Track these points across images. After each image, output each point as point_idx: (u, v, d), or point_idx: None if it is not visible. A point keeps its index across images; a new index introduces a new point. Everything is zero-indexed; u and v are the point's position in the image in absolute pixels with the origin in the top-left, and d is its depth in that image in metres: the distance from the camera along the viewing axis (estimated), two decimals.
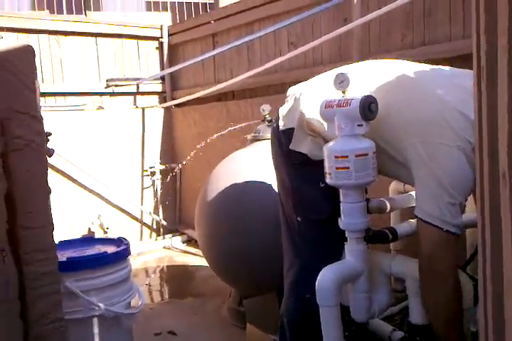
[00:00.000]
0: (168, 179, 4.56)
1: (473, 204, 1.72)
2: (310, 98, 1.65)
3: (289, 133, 1.68)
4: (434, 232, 1.37)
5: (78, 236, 3.92)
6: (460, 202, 1.37)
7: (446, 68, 1.60)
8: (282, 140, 1.71)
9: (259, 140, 2.72)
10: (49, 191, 1.65)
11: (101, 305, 2.05)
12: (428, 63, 1.67)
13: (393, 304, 1.67)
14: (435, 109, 1.40)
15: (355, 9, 2.96)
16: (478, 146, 0.93)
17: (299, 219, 1.71)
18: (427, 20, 2.68)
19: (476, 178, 1.35)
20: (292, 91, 1.76)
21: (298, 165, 1.69)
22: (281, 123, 1.72)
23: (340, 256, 1.62)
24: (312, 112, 1.61)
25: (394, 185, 2.19)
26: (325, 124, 1.57)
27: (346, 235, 1.55)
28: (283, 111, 1.74)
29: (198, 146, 3.95)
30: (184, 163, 4.33)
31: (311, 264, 1.64)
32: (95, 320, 2.07)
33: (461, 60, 2.40)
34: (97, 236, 4.11)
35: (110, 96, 4.65)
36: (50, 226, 1.63)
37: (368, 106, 1.42)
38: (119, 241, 2.36)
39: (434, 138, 1.37)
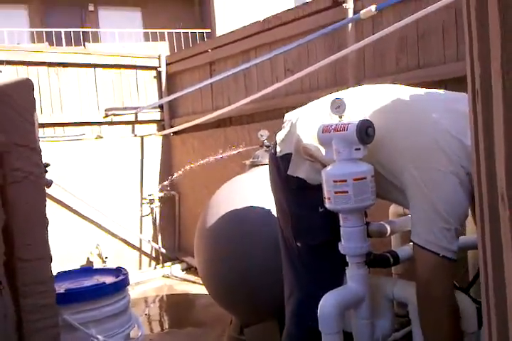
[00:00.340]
0: (166, 206, 4.55)
1: (473, 226, 1.72)
2: (306, 123, 1.66)
3: (286, 158, 1.68)
4: (431, 258, 1.36)
5: (77, 266, 3.88)
6: (455, 227, 1.36)
7: (441, 92, 1.62)
8: (280, 165, 1.72)
9: (257, 165, 2.73)
10: (47, 223, 1.64)
11: (100, 337, 2.02)
12: (423, 86, 1.69)
13: (396, 329, 1.64)
14: (430, 134, 1.41)
15: (350, 35, 3.02)
16: (476, 169, 0.93)
17: (298, 244, 1.69)
18: (420, 43, 2.72)
19: (471, 202, 1.37)
20: (289, 117, 1.78)
21: (296, 190, 1.68)
22: (278, 149, 1.73)
23: (342, 281, 1.60)
24: (309, 137, 1.62)
25: (393, 208, 2.18)
26: (322, 149, 1.58)
27: (347, 260, 1.54)
28: (280, 136, 1.75)
29: (190, 166, 3.98)
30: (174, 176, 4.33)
31: (312, 290, 1.62)
32: None
33: (456, 82, 2.43)
34: (95, 265, 4.07)
35: (109, 125, 4.68)
36: (48, 258, 1.61)
37: (365, 130, 1.43)
38: (118, 271, 2.34)
39: (428, 164, 1.38)
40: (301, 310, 1.69)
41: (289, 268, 1.77)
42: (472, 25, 0.86)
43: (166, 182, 4.26)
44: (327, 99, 1.69)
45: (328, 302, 1.46)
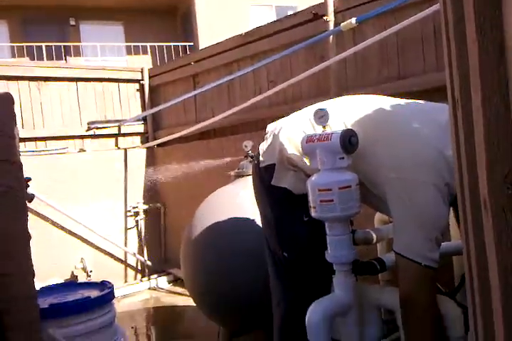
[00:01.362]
0: (151, 218, 4.52)
1: (457, 231, 1.74)
2: (289, 134, 1.67)
3: (270, 169, 1.69)
4: (413, 267, 1.38)
5: (61, 280, 3.82)
6: (436, 236, 1.38)
7: (421, 102, 1.65)
8: (264, 176, 1.73)
9: (242, 176, 2.73)
10: (29, 237, 1.62)
11: None
12: (405, 96, 1.72)
13: (384, 336, 1.65)
14: (410, 146, 1.43)
15: (331, 47, 3.06)
16: (458, 177, 0.95)
17: (285, 254, 1.69)
18: (400, 54, 2.78)
19: (449, 211, 1.39)
20: (271, 127, 1.79)
21: (280, 200, 1.69)
22: (261, 160, 1.74)
23: (329, 289, 1.60)
24: (292, 148, 1.63)
25: (379, 216, 2.20)
26: (305, 160, 1.59)
27: (334, 268, 1.55)
28: (263, 147, 1.76)
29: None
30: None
31: (299, 299, 1.62)
32: None
33: (436, 91, 2.48)
34: (80, 279, 4.01)
35: (92, 138, 4.65)
36: (30, 273, 1.59)
37: (349, 140, 1.45)
38: (103, 284, 2.30)
39: (410, 175, 1.40)
40: (289, 319, 1.69)
41: (275, 277, 1.77)
42: (450, 37, 0.88)
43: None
44: (308, 110, 1.71)
45: (315, 311, 1.46)
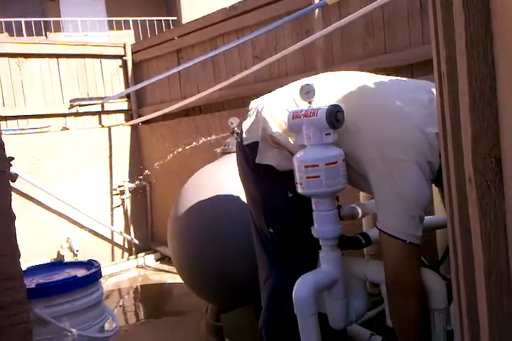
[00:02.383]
0: (137, 197, 4.51)
1: (440, 205, 1.76)
2: (272, 112, 1.66)
3: (253, 147, 1.68)
4: (398, 245, 1.39)
5: (47, 260, 3.81)
6: (420, 214, 1.40)
7: (403, 79, 1.64)
8: (248, 154, 1.71)
9: (228, 153, 2.72)
10: (13, 217, 1.60)
11: (73, 330, 1.99)
12: (390, 70, 1.70)
13: (370, 308, 1.68)
14: (392, 124, 1.43)
15: (317, 21, 3.01)
16: (444, 151, 0.95)
17: (271, 230, 1.70)
18: (386, 28, 2.75)
19: (431, 189, 1.40)
20: (254, 104, 1.77)
21: (265, 177, 1.69)
22: (245, 138, 1.72)
23: (315, 264, 1.62)
24: (275, 126, 1.62)
25: None
26: (289, 138, 1.59)
27: (320, 243, 1.56)
28: (246, 125, 1.75)
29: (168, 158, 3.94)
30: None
31: (286, 275, 1.63)
32: None
33: (422, 66, 2.47)
34: (66, 259, 4.00)
35: (74, 116, 4.58)
36: (15, 254, 1.57)
37: (335, 115, 1.44)
38: (90, 263, 2.30)
39: (392, 154, 1.40)
40: (277, 294, 1.71)
41: (262, 254, 1.78)
42: (437, 9, 0.87)
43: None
44: (292, 87, 1.69)
45: (302, 285, 1.48)
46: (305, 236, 1.59)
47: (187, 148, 3.78)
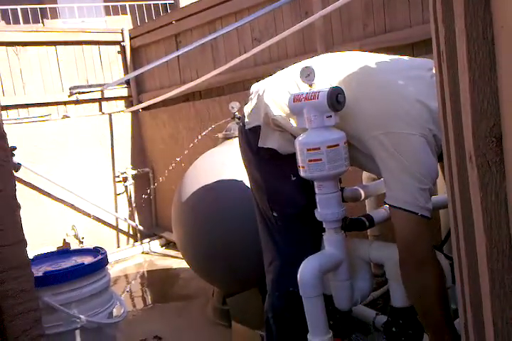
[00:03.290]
0: (141, 183, 4.52)
1: (443, 185, 1.76)
2: (273, 95, 1.65)
3: (255, 130, 1.68)
4: (410, 218, 1.39)
5: (54, 248, 3.85)
6: (429, 187, 1.39)
7: (405, 58, 1.62)
8: (250, 138, 1.71)
9: (230, 138, 2.71)
10: (18, 207, 1.61)
11: (82, 316, 2.03)
12: (391, 50, 1.69)
13: (374, 289, 1.69)
14: (396, 100, 1.42)
15: (316, 2, 2.97)
16: (444, 130, 0.95)
17: (275, 214, 1.71)
18: (386, 8, 2.71)
19: (444, 162, 1.39)
20: (255, 88, 1.76)
21: (268, 161, 1.69)
22: (247, 122, 1.72)
23: (320, 246, 1.63)
24: (277, 109, 1.61)
25: (366, 173, 2.21)
26: (292, 121, 1.58)
27: (324, 226, 1.57)
28: (247, 109, 1.74)
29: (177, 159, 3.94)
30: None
31: (291, 257, 1.65)
32: (77, 332, 2.04)
33: (423, 45, 2.44)
34: (72, 247, 4.04)
35: (75, 104, 4.56)
36: (22, 243, 1.59)
37: (336, 97, 1.43)
38: (96, 250, 2.33)
39: (397, 129, 1.39)
40: (282, 277, 1.72)
41: (267, 237, 1.79)
42: None
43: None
44: (292, 69, 1.68)
45: (307, 267, 1.49)
46: (309, 219, 1.60)
47: (188, 133, 3.78)
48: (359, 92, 1.49)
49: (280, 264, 1.74)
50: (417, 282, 1.42)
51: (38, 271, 2.08)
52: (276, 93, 1.64)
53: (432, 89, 1.35)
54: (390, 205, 1.43)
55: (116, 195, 4.58)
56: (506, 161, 0.71)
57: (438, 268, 1.42)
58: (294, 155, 1.53)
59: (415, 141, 1.37)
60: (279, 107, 1.61)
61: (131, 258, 4.29)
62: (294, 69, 1.64)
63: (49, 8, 10.78)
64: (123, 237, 4.63)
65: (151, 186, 4.71)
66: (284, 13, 3.29)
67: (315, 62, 1.68)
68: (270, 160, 1.68)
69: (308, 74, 1.50)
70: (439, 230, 2.01)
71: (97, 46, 4.65)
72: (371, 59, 1.58)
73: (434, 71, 1.39)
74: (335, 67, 1.60)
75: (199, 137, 3.65)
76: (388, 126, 1.40)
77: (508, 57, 0.66)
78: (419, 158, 1.38)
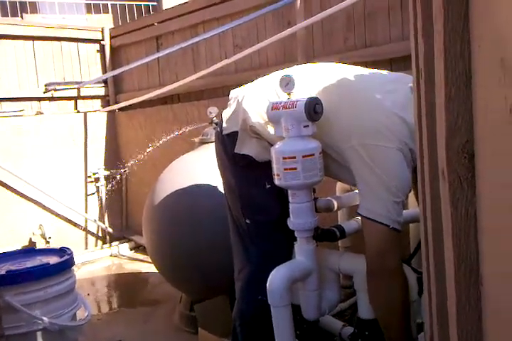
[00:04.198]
0: (113, 185, 4.46)
1: (415, 201, 1.78)
2: (252, 102, 1.65)
3: (232, 136, 1.67)
4: (382, 230, 1.40)
5: (19, 247, 3.75)
6: (402, 200, 1.41)
7: (383, 72, 1.65)
8: (226, 143, 1.71)
9: (207, 143, 2.70)
10: None
11: (44, 318, 1.98)
12: (370, 65, 1.71)
13: (342, 300, 1.70)
14: (374, 113, 1.44)
15: (299, 12, 3.00)
16: (419, 145, 0.96)
17: (247, 221, 1.70)
18: (367, 23, 2.76)
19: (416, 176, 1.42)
20: (234, 94, 1.76)
21: (243, 168, 1.69)
22: (224, 127, 1.72)
23: (291, 255, 1.63)
24: (256, 116, 1.62)
25: (341, 184, 2.23)
26: (269, 128, 1.58)
27: (296, 235, 1.57)
28: (226, 114, 1.74)
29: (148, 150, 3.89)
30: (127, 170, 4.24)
31: (261, 265, 1.64)
32: (39, 334, 1.99)
33: (401, 61, 2.49)
34: (38, 246, 3.94)
35: (49, 101, 4.48)
36: None
37: (313, 107, 1.44)
38: (62, 251, 2.28)
39: (373, 141, 1.41)
40: (251, 285, 1.71)
41: (238, 245, 1.78)
42: (417, 5, 0.87)
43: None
44: (273, 77, 1.69)
45: (277, 276, 1.49)
46: (281, 228, 1.60)
47: (165, 136, 3.75)
48: (337, 103, 1.50)
49: (250, 272, 1.73)
50: (383, 292, 1.45)
51: (1, 270, 2.03)
52: (255, 100, 1.65)
53: (408, 102, 1.38)
54: (362, 216, 1.45)
55: (87, 195, 4.50)
56: (477, 178, 0.72)
57: (404, 280, 1.44)
58: (269, 163, 1.54)
59: (392, 154, 1.39)
60: (257, 114, 1.61)
61: (99, 261, 4.21)
62: (274, 78, 1.65)
63: (29, 2, 10.59)
64: (91, 239, 4.55)
65: (123, 188, 4.64)
66: (267, 22, 3.31)
67: (296, 71, 1.69)
68: (245, 167, 1.68)
69: (287, 83, 1.51)
70: (408, 244, 2.03)
71: (76, 43, 4.59)
72: (351, 71, 1.60)
73: (411, 85, 1.42)
74: (315, 78, 1.61)
75: (167, 138, 3.62)
76: (365, 138, 1.42)
77: (484, 75, 0.68)
78: (395, 171, 1.40)
